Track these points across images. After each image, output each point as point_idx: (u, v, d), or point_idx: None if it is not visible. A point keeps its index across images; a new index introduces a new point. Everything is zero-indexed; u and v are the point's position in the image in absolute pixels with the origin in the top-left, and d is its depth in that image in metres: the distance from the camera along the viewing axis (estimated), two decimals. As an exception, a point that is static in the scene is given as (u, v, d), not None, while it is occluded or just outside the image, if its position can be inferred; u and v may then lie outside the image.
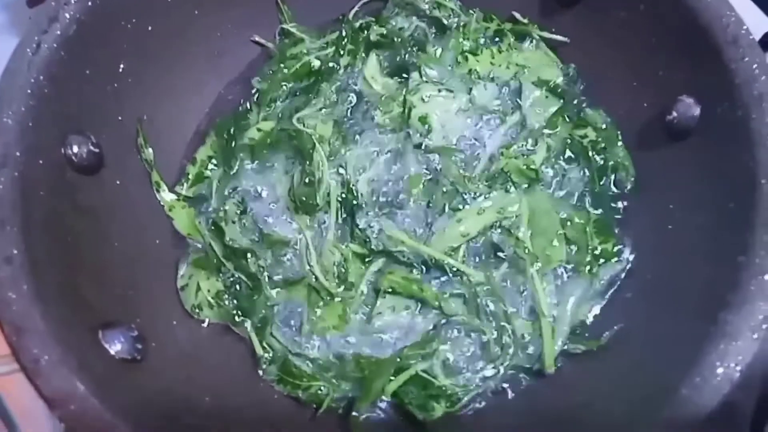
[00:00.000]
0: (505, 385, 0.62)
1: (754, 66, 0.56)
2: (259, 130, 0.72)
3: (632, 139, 0.70)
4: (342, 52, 0.75)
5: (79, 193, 0.61)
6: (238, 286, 0.66)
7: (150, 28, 0.68)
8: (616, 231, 0.67)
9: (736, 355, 0.47)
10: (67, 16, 0.59)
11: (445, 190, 0.67)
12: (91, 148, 0.61)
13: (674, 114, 0.62)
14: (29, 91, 0.55)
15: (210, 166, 0.72)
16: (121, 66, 0.66)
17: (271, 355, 0.64)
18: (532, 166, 0.68)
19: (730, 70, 0.57)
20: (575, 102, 0.72)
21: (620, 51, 0.70)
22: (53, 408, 0.47)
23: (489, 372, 0.61)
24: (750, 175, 0.53)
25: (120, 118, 0.67)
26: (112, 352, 0.54)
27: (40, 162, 0.56)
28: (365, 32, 0.76)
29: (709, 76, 0.59)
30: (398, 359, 0.60)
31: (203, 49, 0.76)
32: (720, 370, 0.46)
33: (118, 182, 0.66)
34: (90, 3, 0.61)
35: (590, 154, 0.69)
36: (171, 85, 0.73)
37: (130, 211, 0.66)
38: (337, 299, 0.65)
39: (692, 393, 0.47)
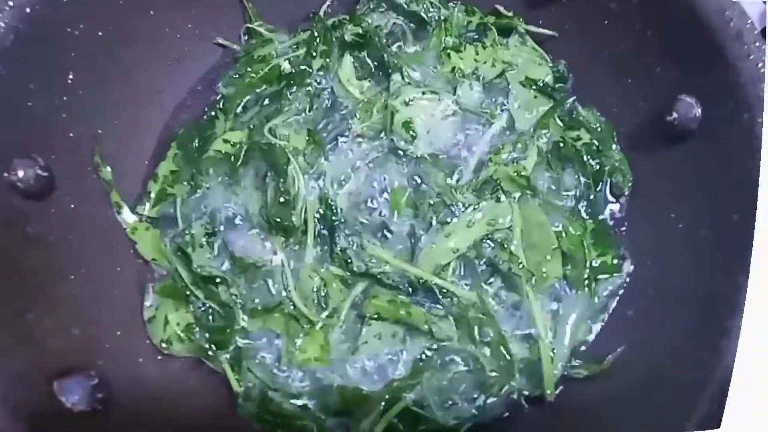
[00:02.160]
0: (504, 414, 0.58)
1: (759, 65, 0.52)
2: (226, 141, 0.66)
3: (627, 141, 0.66)
4: (314, 54, 0.69)
5: (29, 221, 0.56)
6: (209, 317, 0.60)
7: (100, 34, 0.63)
8: (615, 242, 0.63)
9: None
10: (2, 25, 0.54)
11: (431, 202, 0.62)
12: (39, 171, 0.57)
13: (674, 115, 0.58)
14: (-38, 116, 0.49)
15: (174, 183, 0.66)
16: (70, 77, 0.61)
17: (248, 391, 0.58)
18: (523, 173, 0.63)
19: (734, 68, 0.53)
20: (566, 101, 0.68)
21: (613, 46, 0.66)
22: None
23: (485, 401, 0.57)
24: (755, 184, 0.49)
25: (71, 134, 0.62)
26: (69, 405, 0.49)
27: (-21, 193, 0.51)
28: (339, 31, 0.70)
29: (710, 75, 0.55)
30: (386, 394, 0.55)
31: (161, 53, 0.70)
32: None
33: (72, 206, 0.61)
34: (28, 9, 0.56)
35: (584, 158, 0.65)
36: (127, 94, 0.67)
37: (88, 238, 0.61)
38: (318, 327, 0.60)
39: (701, 423, 0.45)
